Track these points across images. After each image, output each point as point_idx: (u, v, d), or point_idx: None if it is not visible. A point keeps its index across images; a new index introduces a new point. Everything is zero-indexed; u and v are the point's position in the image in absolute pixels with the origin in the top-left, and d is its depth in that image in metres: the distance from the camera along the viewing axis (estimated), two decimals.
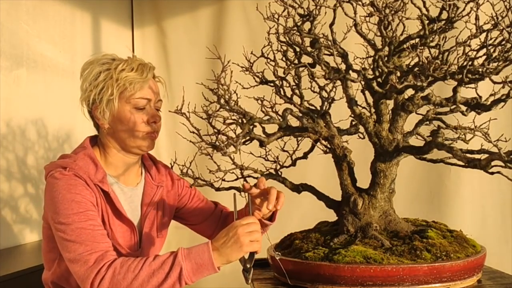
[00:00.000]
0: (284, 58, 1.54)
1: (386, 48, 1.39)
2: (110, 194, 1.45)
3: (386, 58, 1.39)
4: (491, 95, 1.36)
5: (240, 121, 1.43)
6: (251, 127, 1.42)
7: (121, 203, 1.49)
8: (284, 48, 1.54)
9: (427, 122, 1.54)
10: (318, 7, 1.43)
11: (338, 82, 1.52)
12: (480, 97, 1.31)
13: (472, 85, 1.30)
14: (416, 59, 1.34)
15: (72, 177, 1.39)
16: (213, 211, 1.73)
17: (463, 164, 1.29)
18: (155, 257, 1.29)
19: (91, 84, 1.47)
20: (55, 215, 1.36)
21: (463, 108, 1.38)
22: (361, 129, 1.58)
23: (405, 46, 1.41)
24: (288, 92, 1.56)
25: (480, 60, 1.28)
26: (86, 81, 1.48)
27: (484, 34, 1.27)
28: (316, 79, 1.52)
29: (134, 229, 1.51)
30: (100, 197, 1.43)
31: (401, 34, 1.42)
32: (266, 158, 1.62)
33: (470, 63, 1.25)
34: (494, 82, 1.23)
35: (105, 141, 1.52)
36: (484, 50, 1.28)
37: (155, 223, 1.59)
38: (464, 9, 1.32)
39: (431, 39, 1.34)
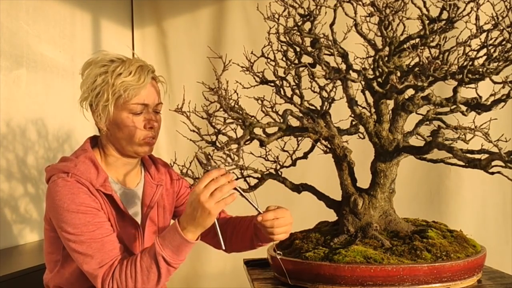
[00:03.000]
0: (284, 58, 1.53)
1: (387, 48, 1.39)
2: (114, 197, 1.45)
3: (386, 58, 1.39)
4: (491, 95, 1.36)
5: (240, 123, 1.43)
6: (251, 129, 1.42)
7: (124, 204, 1.49)
8: (284, 48, 1.54)
9: (427, 122, 1.54)
10: (319, 7, 1.43)
11: (338, 82, 1.52)
12: (480, 97, 1.31)
13: (472, 85, 1.30)
14: (417, 59, 1.34)
15: (75, 184, 1.39)
16: None
17: (463, 164, 1.29)
18: (142, 255, 1.33)
19: (89, 88, 1.45)
20: (63, 224, 1.37)
21: (463, 108, 1.38)
22: (361, 129, 1.57)
23: (405, 46, 1.40)
24: (288, 92, 1.56)
25: (481, 60, 1.28)
26: (84, 84, 1.47)
27: (484, 34, 1.27)
28: (316, 79, 1.51)
29: (138, 228, 1.51)
30: (104, 202, 1.43)
31: (402, 34, 1.42)
32: (266, 158, 1.62)
33: (470, 63, 1.25)
34: (494, 82, 1.23)
35: (105, 143, 1.51)
36: (485, 50, 1.28)
37: (156, 222, 1.59)
38: (464, 9, 1.32)
39: (431, 39, 1.34)
